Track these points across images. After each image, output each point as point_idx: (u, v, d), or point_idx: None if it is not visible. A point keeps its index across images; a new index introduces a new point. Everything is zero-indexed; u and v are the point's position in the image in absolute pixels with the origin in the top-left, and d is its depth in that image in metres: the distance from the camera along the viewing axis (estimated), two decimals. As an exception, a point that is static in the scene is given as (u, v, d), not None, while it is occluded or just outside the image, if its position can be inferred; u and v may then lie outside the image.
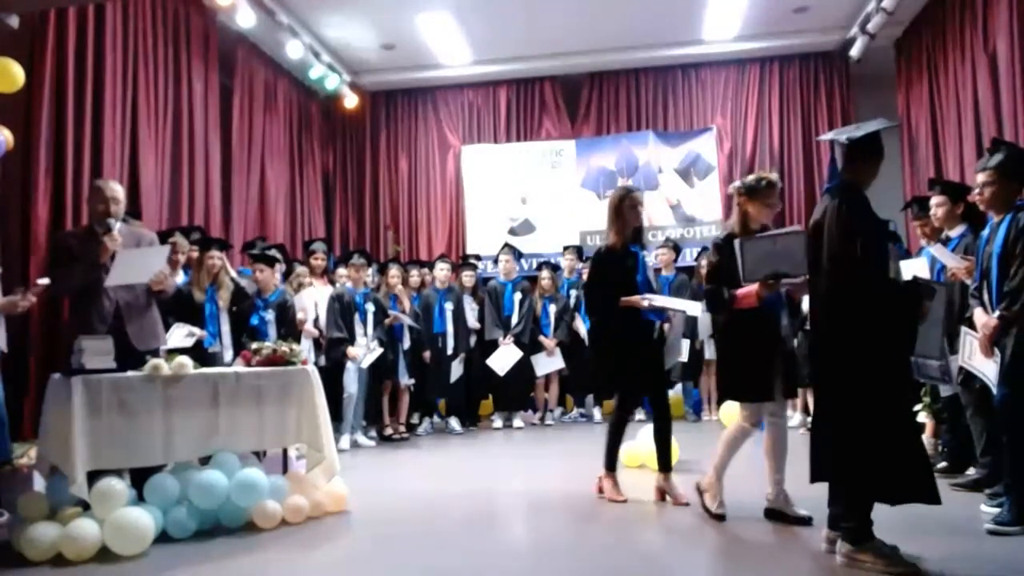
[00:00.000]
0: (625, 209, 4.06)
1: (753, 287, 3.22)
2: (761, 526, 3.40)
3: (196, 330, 4.86)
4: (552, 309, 7.47)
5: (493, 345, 7.25)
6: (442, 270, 7.25)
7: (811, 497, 3.23)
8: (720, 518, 3.48)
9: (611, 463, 4.08)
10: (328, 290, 6.42)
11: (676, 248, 7.74)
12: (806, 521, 3.33)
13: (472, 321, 7.24)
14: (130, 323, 3.87)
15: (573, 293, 7.67)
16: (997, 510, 3.33)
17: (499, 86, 9.30)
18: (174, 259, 5.20)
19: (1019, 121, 5.61)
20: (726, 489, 3.60)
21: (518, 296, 7.43)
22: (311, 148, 9.04)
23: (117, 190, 4.02)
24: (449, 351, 6.98)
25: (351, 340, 6.16)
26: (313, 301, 6.26)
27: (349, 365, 6.11)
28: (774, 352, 3.37)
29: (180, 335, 4.74)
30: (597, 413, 7.51)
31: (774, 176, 3.53)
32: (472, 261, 7.69)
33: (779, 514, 3.42)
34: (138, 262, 3.82)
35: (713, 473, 3.58)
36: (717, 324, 3.66)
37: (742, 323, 3.37)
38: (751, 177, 3.58)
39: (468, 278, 7.44)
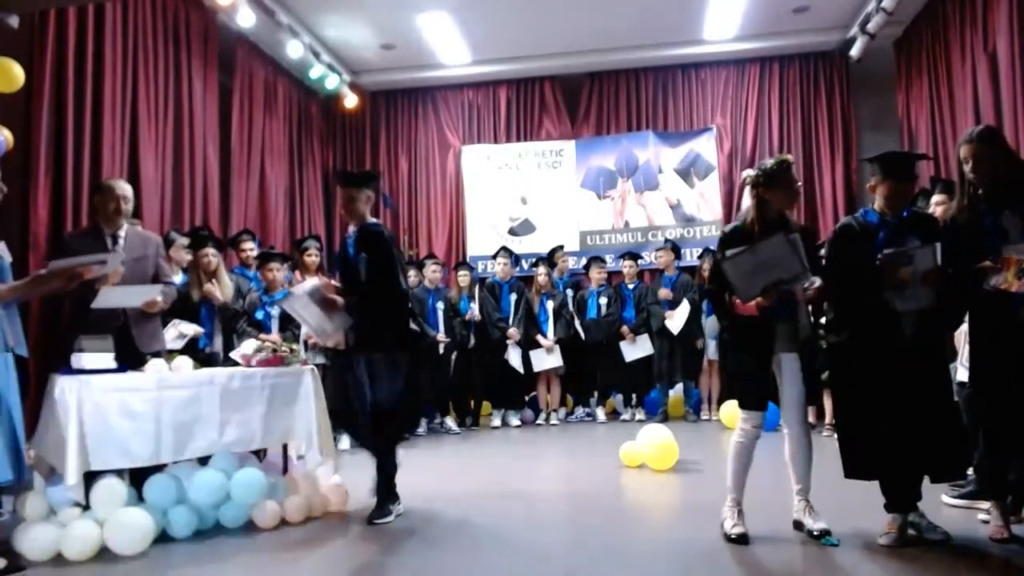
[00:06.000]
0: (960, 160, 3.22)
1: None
2: (770, 538, 3.35)
3: (187, 330, 4.84)
4: (550, 306, 7.48)
5: (495, 342, 7.30)
6: (433, 271, 7.27)
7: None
8: (740, 539, 3.18)
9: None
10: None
11: (675, 249, 7.75)
12: (822, 534, 3.15)
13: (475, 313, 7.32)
14: (136, 326, 3.92)
15: (569, 293, 7.72)
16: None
17: (499, 86, 9.30)
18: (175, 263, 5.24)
19: (1019, 121, 5.61)
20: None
21: (514, 296, 7.46)
22: (311, 148, 9.03)
23: (127, 189, 4.06)
24: (441, 351, 6.99)
25: None
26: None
27: None
28: (772, 359, 3.22)
29: (171, 336, 4.70)
30: (600, 413, 7.53)
31: (789, 156, 3.26)
32: (468, 263, 7.74)
33: (799, 525, 3.28)
34: (127, 293, 3.82)
35: (730, 492, 3.33)
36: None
37: (742, 328, 3.25)
38: (769, 162, 3.24)
39: (464, 278, 7.47)
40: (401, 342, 3.84)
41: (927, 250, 2.98)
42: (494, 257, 7.88)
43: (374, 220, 4.00)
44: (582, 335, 7.45)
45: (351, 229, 3.98)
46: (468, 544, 3.36)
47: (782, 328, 3.21)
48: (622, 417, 7.50)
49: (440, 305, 7.09)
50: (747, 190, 3.30)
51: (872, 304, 3.08)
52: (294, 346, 4.07)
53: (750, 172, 3.31)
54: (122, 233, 4.01)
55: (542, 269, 7.63)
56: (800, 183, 3.32)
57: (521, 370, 7.24)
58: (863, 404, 3.15)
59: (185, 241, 5.38)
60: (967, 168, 3.15)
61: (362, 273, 3.82)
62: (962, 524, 3.29)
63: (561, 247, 8.15)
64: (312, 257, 6.65)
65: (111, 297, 3.72)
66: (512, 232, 8.98)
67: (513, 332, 7.26)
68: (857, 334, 3.17)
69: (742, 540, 3.18)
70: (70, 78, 5.15)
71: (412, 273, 7.32)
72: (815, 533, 3.17)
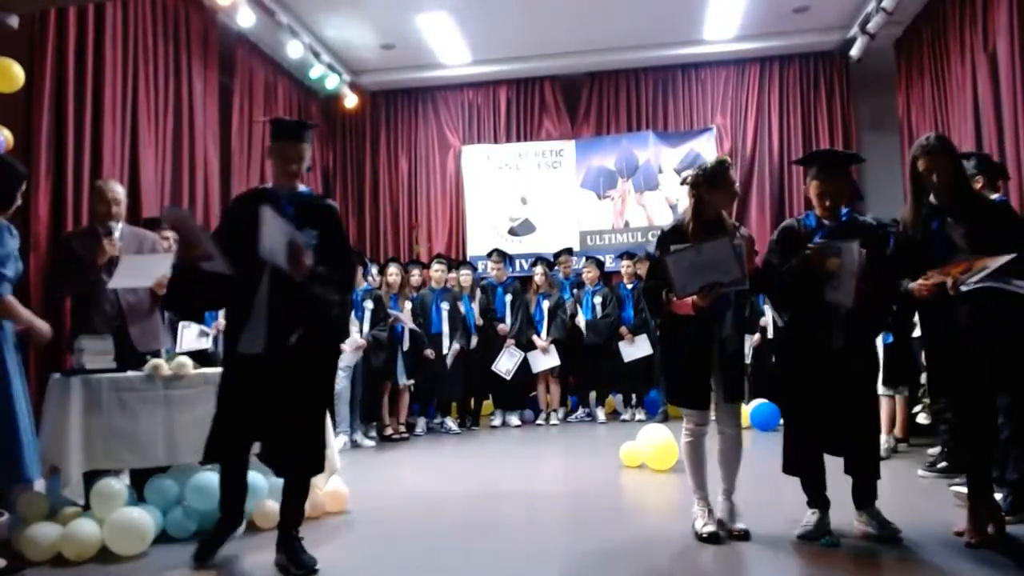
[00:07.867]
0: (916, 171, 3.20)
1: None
2: (769, 537, 3.36)
3: (207, 328, 4.86)
4: (545, 306, 7.49)
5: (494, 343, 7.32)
6: (438, 270, 7.28)
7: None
8: (713, 538, 3.19)
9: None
10: None
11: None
12: (743, 536, 3.22)
13: (476, 317, 7.34)
14: (133, 325, 3.95)
15: (576, 292, 7.72)
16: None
17: (499, 86, 9.30)
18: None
19: (1019, 121, 5.61)
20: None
21: (509, 297, 7.47)
22: (311, 148, 9.02)
23: (118, 191, 4.09)
24: (444, 351, 7.00)
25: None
26: None
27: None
28: (710, 358, 3.24)
29: (192, 336, 4.73)
30: (600, 413, 7.53)
31: (727, 157, 3.37)
32: (470, 262, 7.77)
33: (722, 524, 3.29)
34: (141, 266, 3.85)
35: (695, 492, 3.36)
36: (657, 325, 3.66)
37: (677, 326, 3.26)
38: (709, 162, 3.28)
39: (465, 278, 7.50)
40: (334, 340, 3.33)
41: (851, 246, 3.06)
42: (488, 256, 7.92)
43: (308, 187, 3.43)
44: (585, 334, 7.44)
45: (276, 190, 3.22)
46: (468, 544, 3.36)
47: (716, 328, 3.26)
48: (622, 417, 7.50)
49: (445, 305, 7.10)
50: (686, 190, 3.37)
51: (806, 299, 3.17)
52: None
53: (690, 172, 3.37)
54: (117, 233, 4.03)
55: (539, 269, 7.65)
56: (736, 184, 3.36)
57: (509, 377, 7.24)
58: (798, 401, 3.25)
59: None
60: (933, 178, 3.16)
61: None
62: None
63: (568, 250, 8.14)
64: None
65: (127, 271, 3.71)
66: (512, 232, 8.98)
67: (503, 328, 7.29)
68: (794, 332, 3.29)
69: (713, 539, 3.20)
70: (70, 78, 5.14)
71: (415, 272, 7.35)
72: (736, 533, 3.24)
